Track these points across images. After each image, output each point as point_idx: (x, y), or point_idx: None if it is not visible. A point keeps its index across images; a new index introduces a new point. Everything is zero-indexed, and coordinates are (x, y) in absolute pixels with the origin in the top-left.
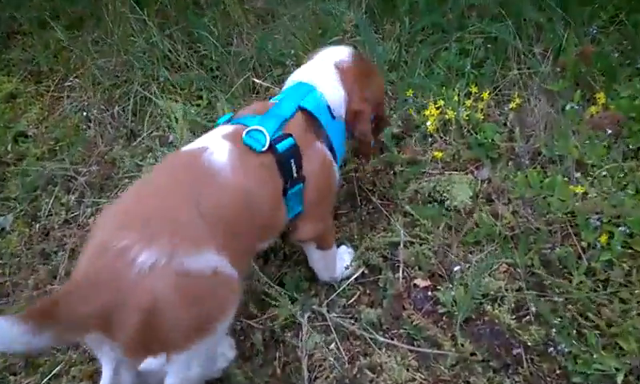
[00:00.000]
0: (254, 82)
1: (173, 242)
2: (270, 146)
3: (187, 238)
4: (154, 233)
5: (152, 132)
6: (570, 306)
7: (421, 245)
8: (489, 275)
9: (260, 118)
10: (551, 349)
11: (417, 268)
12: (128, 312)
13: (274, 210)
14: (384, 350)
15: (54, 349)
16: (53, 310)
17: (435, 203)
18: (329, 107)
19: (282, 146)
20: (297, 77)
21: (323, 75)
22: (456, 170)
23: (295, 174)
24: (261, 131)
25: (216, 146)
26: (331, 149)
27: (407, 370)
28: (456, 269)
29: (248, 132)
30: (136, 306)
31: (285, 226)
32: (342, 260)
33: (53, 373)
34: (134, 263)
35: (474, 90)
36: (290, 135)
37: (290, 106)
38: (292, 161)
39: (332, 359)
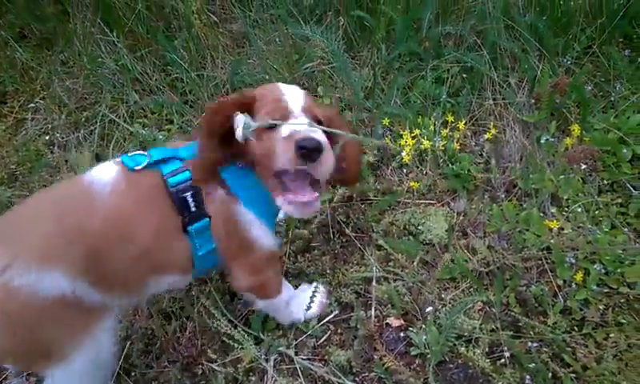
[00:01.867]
0: None
1: (12, 254)
2: (164, 178)
3: (32, 254)
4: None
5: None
6: (545, 349)
7: (395, 280)
8: (463, 314)
9: (162, 149)
10: None
11: (390, 306)
12: None
13: (163, 244)
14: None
15: None
16: None
17: (410, 236)
18: None
19: (175, 179)
20: None
21: None
22: (432, 201)
23: (194, 209)
24: (143, 154)
25: (105, 168)
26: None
27: None
28: (429, 309)
29: (132, 155)
30: None
31: (206, 267)
32: (300, 303)
33: None
34: None
35: (450, 118)
36: (187, 169)
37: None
38: (188, 194)
39: None
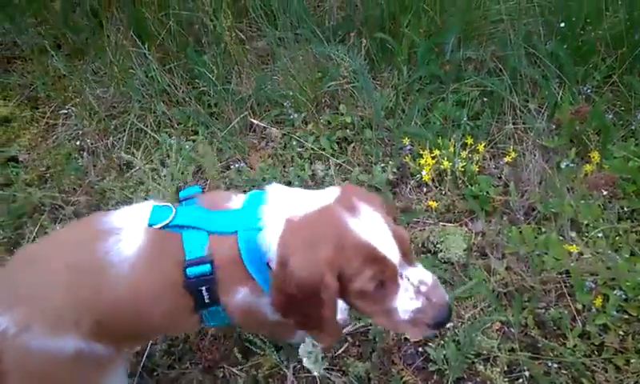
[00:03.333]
0: (251, 121)
1: (29, 318)
2: (184, 267)
3: (46, 321)
4: (16, 303)
5: (145, 164)
6: (564, 371)
7: None
8: (482, 333)
9: (192, 211)
10: None
11: None
12: None
13: (173, 321)
14: None
15: None
16: None
17: (429, 254)
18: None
19: (193, 271)
20: (274, 194)
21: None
22: (450, 222)
23: (207, 301)
24: (169, 209)
25: (129, 232)
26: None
27: None
28: (448, 326)
29: (159, 208)
30: None
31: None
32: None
33: None
34: None
35: (469, 141)
36: (210, 261)
37: (230, 223)
38: (204, 288)
39: None
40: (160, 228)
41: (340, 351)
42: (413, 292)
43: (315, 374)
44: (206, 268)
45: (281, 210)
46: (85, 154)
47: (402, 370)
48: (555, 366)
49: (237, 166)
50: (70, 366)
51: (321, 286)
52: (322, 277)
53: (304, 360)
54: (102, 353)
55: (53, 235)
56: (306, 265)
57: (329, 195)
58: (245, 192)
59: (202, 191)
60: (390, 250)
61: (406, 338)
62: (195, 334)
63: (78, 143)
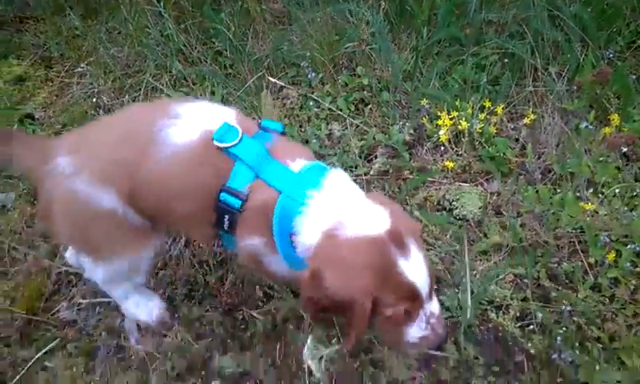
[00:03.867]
0: (268, 80)
1: (82, 164)
2: (220, 189)
3: (93, 170)
4: (78, 150)
5: None
6: (574, 318)
7: (428, 250)
8: (495, 284)
9: (258, 147)
10: (555, 356)
11: None
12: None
13: (190, 224)
14: (385, 349)
15: (51, 324)
16: None
17: (444, 211)
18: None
19: (224, 197)
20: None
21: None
22: (466, 182)
23: (227, 228)
24: (236, 132)
25: (186, 124)
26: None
27: (408, 368)
28: (462, 275)
29: (227, 128)
30: (44, 192)
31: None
32: None
33: (48, 347)
34: (57, 162)
35: (487, 104)
36: (243, 199)
37: (280, 181)
38: (226, 217)
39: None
40: (218, 148)
41: None
42: (424, 322)
43: (318, 375)
44: (237, 203)
45: (329, 209)
46: (101, 111)
47: None
48: (569, 308)
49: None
50: (105, 220)
51: (355, 306)
52: (356, 299)
53: (309, 362)
54: (136, 222)
55: (126, 108)
56: (343, 285)
57: (380, 220)
58: None
59: (283, 130)
60: (424, 289)
61: None
62: (215, 279)
63: (93, 101)
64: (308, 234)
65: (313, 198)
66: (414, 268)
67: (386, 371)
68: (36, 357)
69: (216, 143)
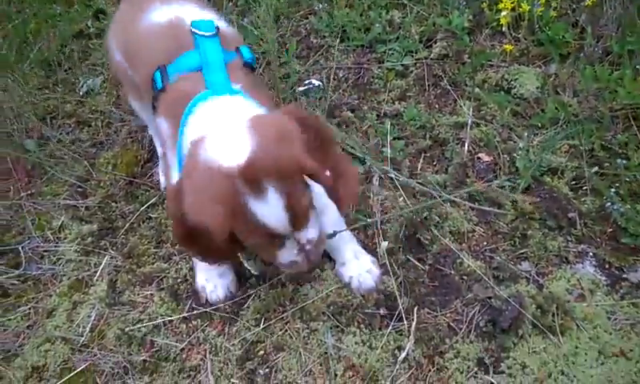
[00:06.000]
0: None
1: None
2: (167, 62)
3: (111, 31)
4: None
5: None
6: (627, 180)
7: (486, 125)
8: (551, 153)
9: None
10: (608, 205)
11: (481, 144)
12: None
13: (145, 87)
14: (448, 205)
15: (148, 185)
16: None
17: (502, 91)
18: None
19: (174, 67)
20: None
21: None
22: (524, 65)
23: (155, 92)
24: (212, 25)
25: (164, 9)
26: None
27: (468, 222)
28: (521, 145)
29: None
30: None
31: None
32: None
33: (149, 203)
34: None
35: None
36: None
37: (219, 84)
38: (158, 80)
39: (399, 206)
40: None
41: (418, 169)
42: (297, 248)
43: (255, 273)
44: (161, 83)
45: (206, 120)
46: None
47: (475, 181)
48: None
49: (319, 7)
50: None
51: (213, 234)
52: (212, 229)
53: (244, 262)
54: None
55: None
56: (197, 212)
57: (240, 151)
58: None
59: (252, 62)
60: (280, 224)
61: (478, 158)
62: None
63: None
64: (186, 139)
65: (205, 105)
66: (267, 210)
67: (449, 222)
68: (141, 209)
69: (193, 28)
